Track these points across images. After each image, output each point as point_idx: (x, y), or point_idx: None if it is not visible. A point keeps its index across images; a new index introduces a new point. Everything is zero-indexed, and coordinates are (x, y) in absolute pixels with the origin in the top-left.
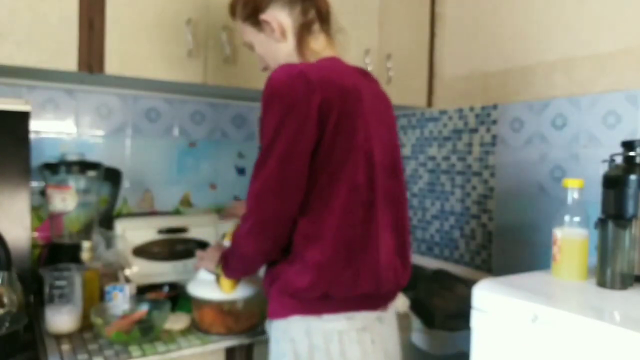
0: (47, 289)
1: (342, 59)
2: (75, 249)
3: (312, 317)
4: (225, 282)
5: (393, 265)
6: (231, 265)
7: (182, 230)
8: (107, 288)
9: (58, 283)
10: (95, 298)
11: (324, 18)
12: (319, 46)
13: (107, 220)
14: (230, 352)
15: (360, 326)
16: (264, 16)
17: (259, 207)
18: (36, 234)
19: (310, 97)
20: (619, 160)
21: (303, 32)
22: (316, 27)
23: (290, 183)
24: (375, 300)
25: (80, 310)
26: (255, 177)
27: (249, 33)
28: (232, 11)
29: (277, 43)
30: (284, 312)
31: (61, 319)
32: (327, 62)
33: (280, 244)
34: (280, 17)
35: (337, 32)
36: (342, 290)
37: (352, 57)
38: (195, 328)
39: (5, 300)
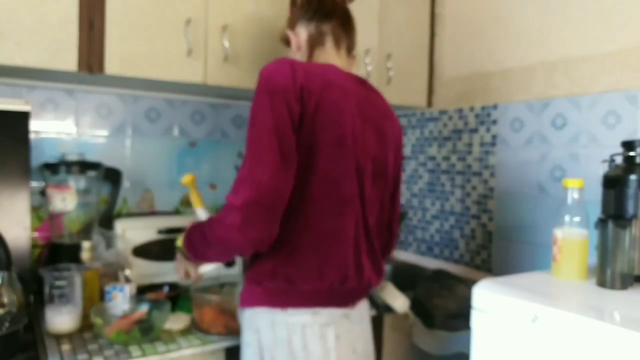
0: (47, 289)
1: (344, 69)
2: (75, 249)
3: (277, 309)
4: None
5: (364, 265)
6: (204, 252)
7: (182, 230)
8: (107, 288)
9: (58, 283)
10: (95, 298)
11: (335, 37)
12: (326, 57)
13: (107, 220)
14: (230, 352)
15: (324, 321)
16: (288, 32)
17: (253, 192)
18: (36, 234)
19: (293, 80)
20: (619, 160)
21: (314, 44)
22: (328, 43)
23: (288, 156)
24: (341, 297)
25: (80, 310)
26: (253, 161)
27: (286, 51)
28: (280, 36)
29: (295, 53)
30: (252, 302)
31: (61, 319)
32: (323, 64)
33: (272, 230)
34: (300, 31)
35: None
36: (305, 278)
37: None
38: (196, 328)
39: (5, 300)
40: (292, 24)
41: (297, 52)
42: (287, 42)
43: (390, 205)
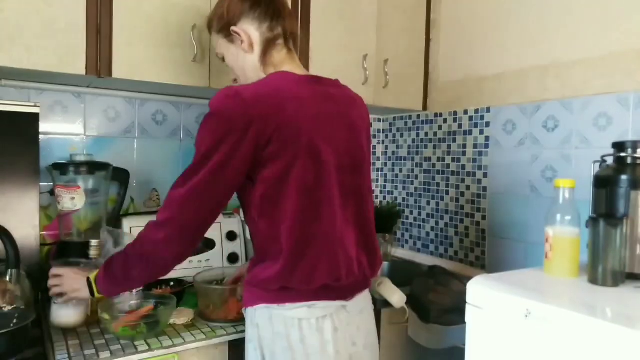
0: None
1: (297, 72)
2: (84, 246)
3: (275, 305)
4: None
5: (357, 258)
6: (126, 275)
7: None
8: None
9: None
10: None
11: (287, 37)
12: (280, 59)
13: (115, 218)
14: (234, 345)
15: (320, 314)
16: (235, 28)
17: (181, 213)
18: (45, 233)
19: (245, 114)
20: (610, 160)
21: (268, 46)
22: (280, 42)
23: (216, 195)
24: (337, 292)
25: (86, 303)
26: (180, 184)
27: (221, 45)
28: (209, 24)
29: (245, 54)
30: (253, 302)
31: (67, 312)
32: (274, 76)
33: (195, 246)
34: (250, 31)
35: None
36: (298, 284)
37: (351, 62)
38: (202, 318)
39: (14, 296)
40: (233, 19)
41: (248, 52)
42: (227, 36)
43: (368, 190)
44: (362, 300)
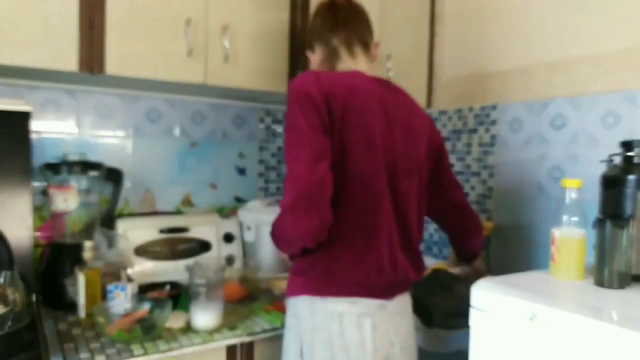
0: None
1: (367, 73)
2: (77, 248)
3: (316, 297)
4: None
5: (398, 258)
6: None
7: (183, 229)
8: (109, 287)
9: None
10: (98, 297)
11: (348, 44)
12: (346, 66)
13: (109, 220)
14: (231, 350)
15: (361, 311)
16: (309, 53)
17: (298, 176)
18: (38, 234)
19: (319, 88)
20: (617, 160)
21: (330, 58)
22: (343, 54)
23: (324, 152)
24: (377, 289)
25: (222, 307)
26: (291, 161)
27: (310, 62)
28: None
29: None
30: (295, 291)
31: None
32: (347, 72)
33: (326, 222)
34: (317, 51)
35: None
36: (342, 270)
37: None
38: None
39: (8, 299)
40: (310, 45)
41: (319, 69)
42: (309, 52)
43: (418, 198)
44: (403, 302)
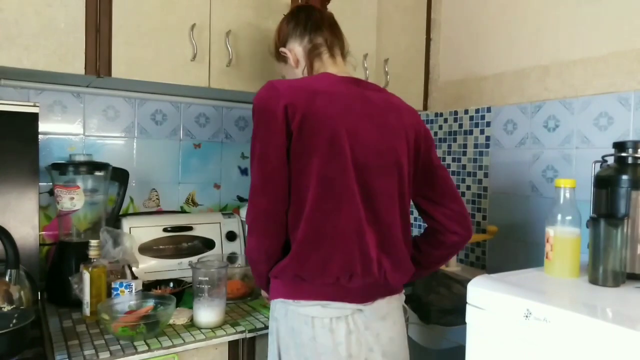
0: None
1: (338, 74)
2: (83, 246)
3: (290, 301)
4: None
5: (377, 259)
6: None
7: (187, 228)
8: (114, 284)
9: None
10: (103, 294)
11: (329, 45)
12: (321, 65)
13: (114, 218)
14: (233, 346)
15: (334, 315)
16: (283, 49)
17: (251, 206)
18: (44, 233)
19: (276, 102)
20: (610, 160)
21: (310, 56)
22: (321, 51)
23: (270, 180)
24: (352, 292)
25: (224, 304)
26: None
27: (279, 66)
28: (270, 52)
29: (294, 69)
30: (274, 294)
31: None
32: (312, 76)
33: (276, 241)
34: (294, 48)
35: (347, 54)
36: (311, 273)
37: (351, 61)
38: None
39: (14, 297)
40: (283, 41)
41: (296, 67)
42: (280, 57)
43: (397, 195)
44: (385, 306)
